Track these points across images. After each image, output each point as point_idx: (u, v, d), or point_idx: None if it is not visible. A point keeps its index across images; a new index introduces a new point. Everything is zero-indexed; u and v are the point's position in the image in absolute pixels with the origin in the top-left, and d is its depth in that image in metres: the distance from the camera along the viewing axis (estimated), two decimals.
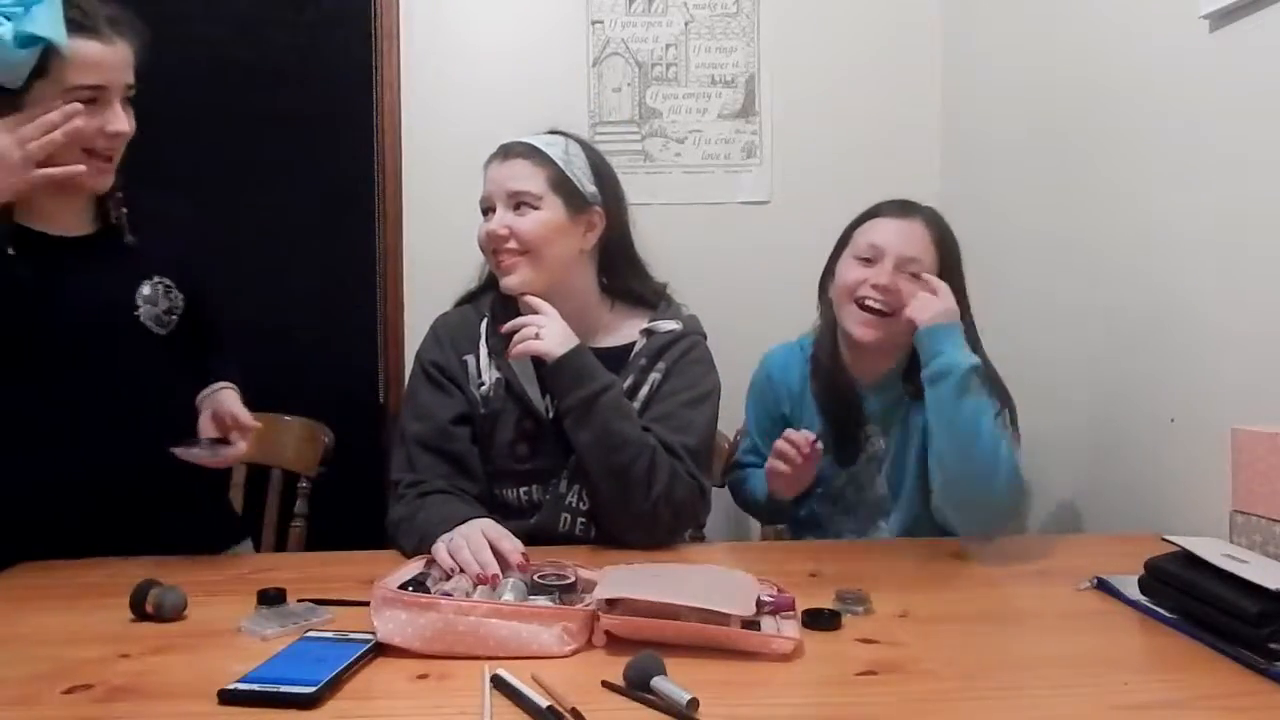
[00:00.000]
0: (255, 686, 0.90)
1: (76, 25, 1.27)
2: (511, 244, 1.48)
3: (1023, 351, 1.85)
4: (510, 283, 1.49)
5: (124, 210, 1.46)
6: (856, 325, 1.54)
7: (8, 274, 1.32)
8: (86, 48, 1.29)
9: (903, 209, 1.59)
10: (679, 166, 2.54)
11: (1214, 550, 1.12)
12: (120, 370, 1.43)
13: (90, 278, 1.41)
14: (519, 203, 1.48)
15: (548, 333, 1.43)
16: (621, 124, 2.54)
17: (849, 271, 1.57)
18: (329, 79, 2.50)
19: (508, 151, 1.52)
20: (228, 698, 0.89)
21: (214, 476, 1.53)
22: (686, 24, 2.54)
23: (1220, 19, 1.48)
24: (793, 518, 1.71)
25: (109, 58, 1.32)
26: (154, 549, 1.38)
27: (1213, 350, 1.50)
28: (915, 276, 1.52)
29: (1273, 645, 0.97)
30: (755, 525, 2.10)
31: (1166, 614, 1.12)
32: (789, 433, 1.52)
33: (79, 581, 1.30)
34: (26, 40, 1.23)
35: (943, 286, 1.48)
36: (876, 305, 1.52)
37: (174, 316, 1.49)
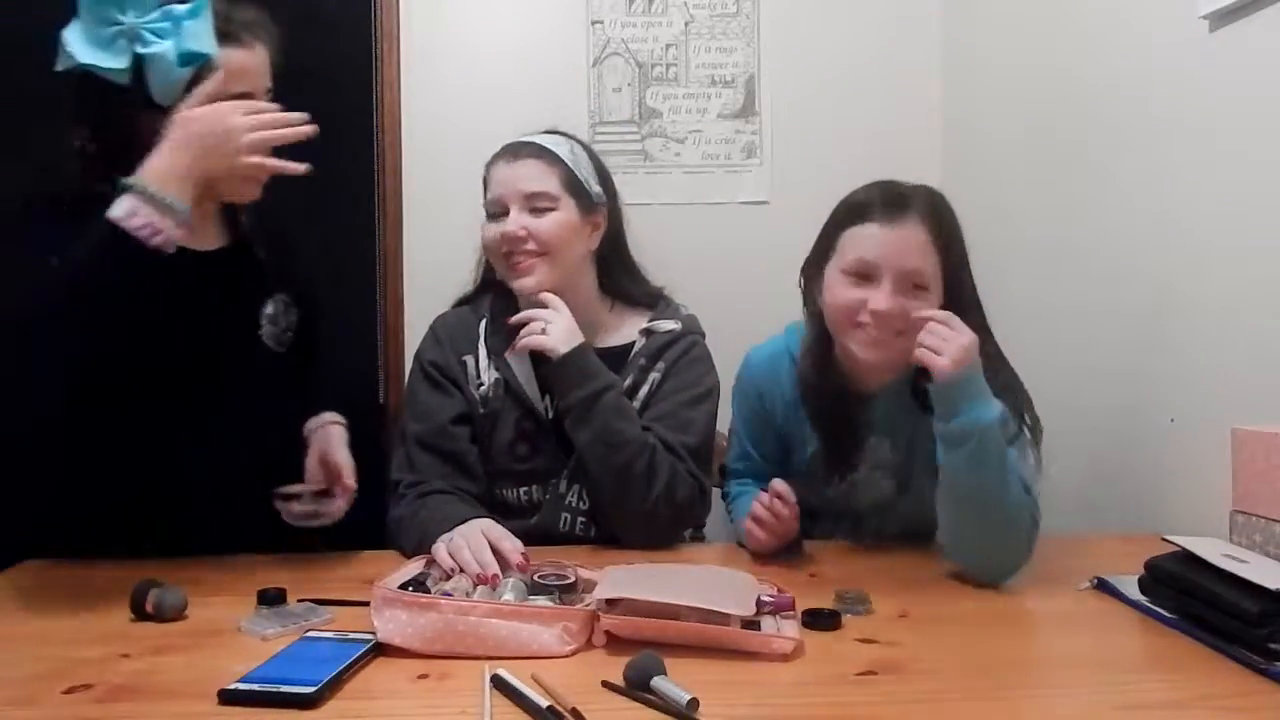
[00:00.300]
0: (255, 686, 0.90)
1: (220, 34, 1.25)
2: (530, 245, 1.47)
3: (1022, 351, 1.84)
4: (527, 284, 1.48)
5: (250, 220, 1.44)
6: (860, 348, 1.38)
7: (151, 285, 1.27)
8: (232, 56, 1.28)
9: (893, 209, 1.37)
10: (679, 166, 2.54)
11: (1214, 550, 1.12)
12: (239, 389, 1.40)
13: (219, 298, 1.38)
14: (535, 204, 1.47)
15: (554, 328, 1.43)
16: (621, 124, 2.54)
17: (841, 291, 1.39)
18: (329, 79, 2.49)
19: (517, 152, 1.51)
20: (228, 698, 0.89)
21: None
22: (686, 24, 2.54)
23: (1220, 19, 1.48)
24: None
25: (252, 63, 1.31)
26: (257, 552, 1.38)
27: (1213, 350, 1.50)
28: (919, 288, 1.35)
29: (1273, 645, 0.97)
30: None
31: (1166, 614, 1.12)
32: (762, 496, 1.36)
33: (79, 581, 1.29)
34: (189, 58, 1.20)
35: (954, 320, 1.27)
36: (878, 331, 1.36)
37: (290, 334, 1.47)
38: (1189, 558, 1.12)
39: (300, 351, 1.51)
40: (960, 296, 1.39)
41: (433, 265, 2.36)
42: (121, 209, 1.14)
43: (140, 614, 1.12)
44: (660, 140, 2.55)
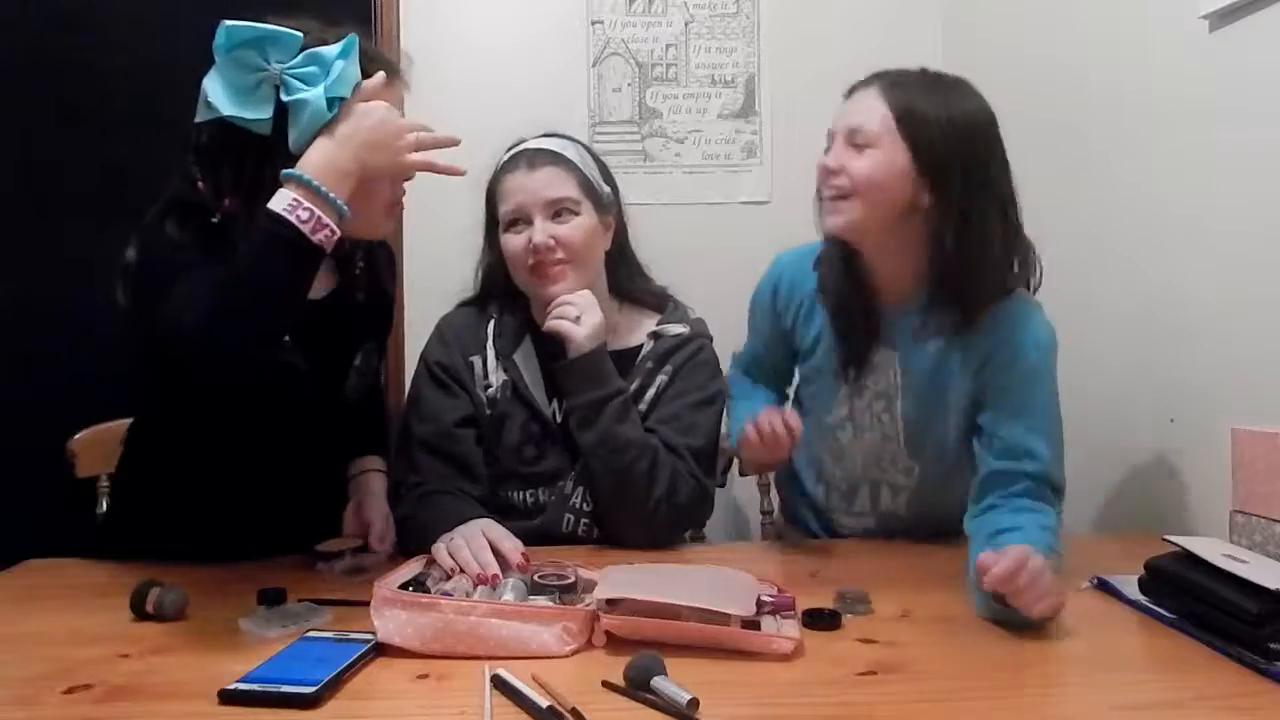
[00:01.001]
0: (255, 686, 0.91)
1: (363, 73, 1.18)
2: (558, 254, 1.46)
3: None
4: (559, 291, 1.46)
5: (363, 265, 1.40)
6: (821, 218, 1.40)
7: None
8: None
9: (866, 80, 1.38)
10: (679, 166, 2.54)
11: (1214, 550, 1.12)
12: (308, 430, 1.38)
13: (314, 354, 1.33)
14: (559, 210, 1.46)
15: (586, 320, 1.43)
16: (621, 124, 2.54)
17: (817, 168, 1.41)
18: None
19: (533, 160, 1.49)
20: (228, 698, 0.89)
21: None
22: (686, 24, 2.54)
23: (1220, 19, 1.48)
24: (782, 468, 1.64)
25: (394, 101, 1.24)
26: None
27: (1213, 350, 1.50)
28: (862, 145, 1.33)
29: (1273, 645, 0.97)
30: (755, 525, 2.10)
31: (1166, 614, 1.12)
32: (773, 414, 1.37)
33: (79, 581, 1.30)
34: (337, 103, 1.15)
35: (1029, 570, 1.05)
36: (828, 192, 1.37)
37: (368, 380, 1.45)
38: (1189, 558, 1.12)
39: (371, 391, 1.49)
40: (946, 176, 1.32)
41: (433, 265, 2.35)
42: (284, 202, 1.09)
43: (140, 614, 1.12)
44: (660, 140, 2.55)
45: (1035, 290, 1.43)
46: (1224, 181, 1.49)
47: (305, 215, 1.09)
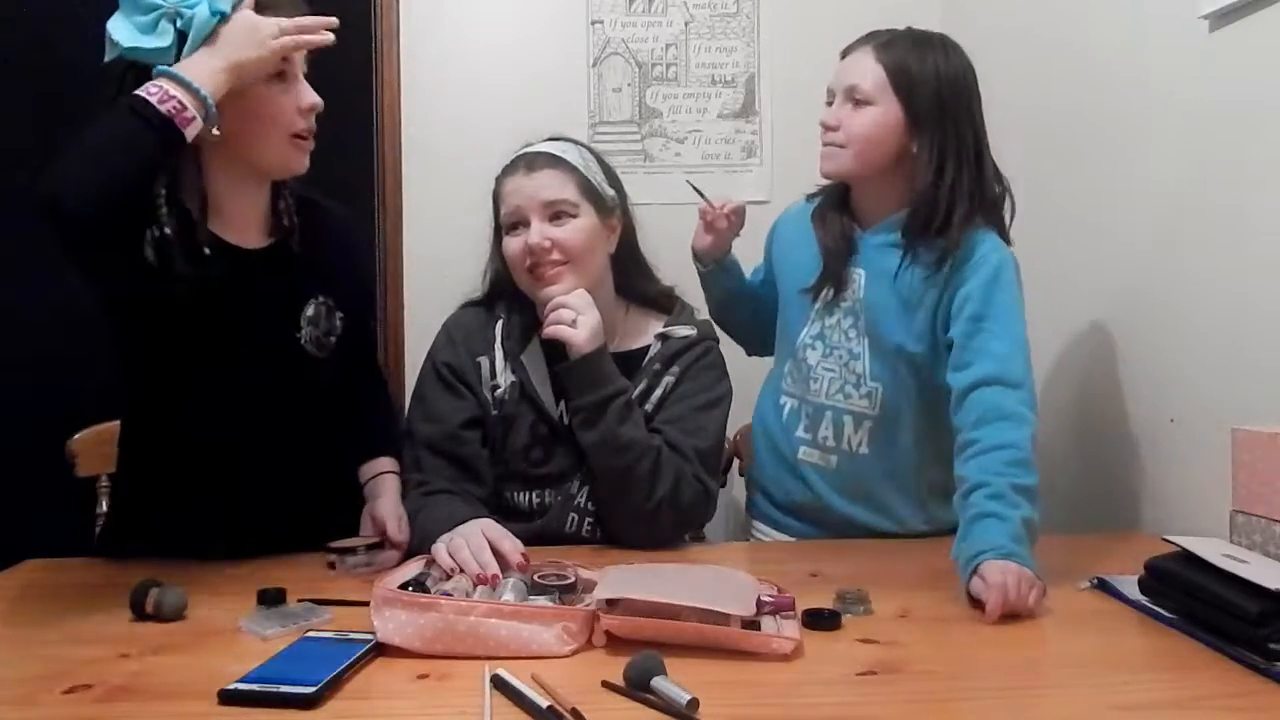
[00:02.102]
0: (255, 686, 0.91)
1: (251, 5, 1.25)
2: (554, 255, 1.45)
3: None
4: (555, 292, 1.46)
5: (295, 218, 1.41)
6: (819, 161, 1.56)
7: (201, 275, 1.28)
8: None
9: (862, 40, 1.55)
10: (679, 166, 2.54)
11: (1214, 550, 1.12)
12: (275, 393, 1.38)
13: (260, 298, 1.36)
14: (556, 212, 1.46)
15: (584, 322, 1.42)
16: (621, 124, 2.54)
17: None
18: (329, 79, 2.50)
19: (532, 163, 1.49)
20: (228, 698, 0.89)
21: (357, 500, 1.49)
22: (686, 24, 2.54)
23: (1220, 19, 1.48)
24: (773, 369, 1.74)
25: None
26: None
27: (1213, 350, 1.50)
28: (860, 102, 1.49)
29: (1273, 645, 0.97)
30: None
31: (1166, 614, 1.12)
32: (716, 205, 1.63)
33: (79, 581, 1.30)
34: (217, 15, 1.21)
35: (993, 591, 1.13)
36: (827, 142, 1.53)
37: (332, 339, 1.44)
38: (1189, 558, 1.12)
39: (348, 357, 1.48)
40: (932, 127, 1.48)
41: (433, 264, 2.36)
42: (144, 88, 1.16)
43: (140, 614, 1.12)
44: (660, 140, 2.54)
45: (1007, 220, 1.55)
46: (1223, 181, 1.49)
47: (155, 90, 1.15)
